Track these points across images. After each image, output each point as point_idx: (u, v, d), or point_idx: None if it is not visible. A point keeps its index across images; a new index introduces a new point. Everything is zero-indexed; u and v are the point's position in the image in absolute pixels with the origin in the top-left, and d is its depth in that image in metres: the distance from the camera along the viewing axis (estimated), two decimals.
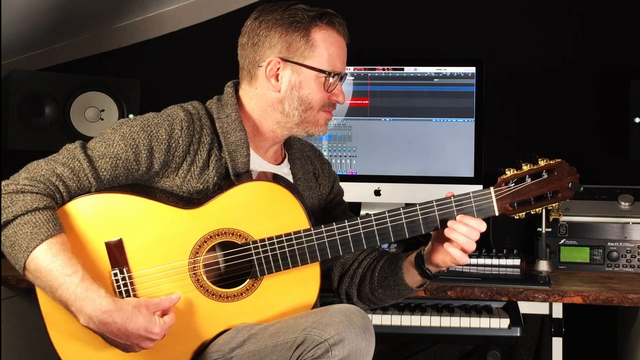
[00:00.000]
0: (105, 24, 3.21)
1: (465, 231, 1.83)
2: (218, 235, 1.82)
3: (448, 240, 1.84)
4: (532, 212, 1.90)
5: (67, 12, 2.93)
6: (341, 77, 1.96)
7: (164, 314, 1.75)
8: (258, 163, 1.97)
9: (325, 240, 1.85)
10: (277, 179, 1.89)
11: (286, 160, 2.08)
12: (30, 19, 2.87)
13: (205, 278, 1.82)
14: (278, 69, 1.91)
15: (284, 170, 2.04)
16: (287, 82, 1.91)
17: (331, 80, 1.93)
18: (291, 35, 1.89)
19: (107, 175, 1.78)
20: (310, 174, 2.12)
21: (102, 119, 2.90)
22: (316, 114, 1.95)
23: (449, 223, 1.84)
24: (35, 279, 1.69)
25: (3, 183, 1.72)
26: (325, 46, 1.91)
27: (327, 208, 2.16)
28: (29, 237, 1.65)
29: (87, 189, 1.77)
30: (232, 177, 1.89)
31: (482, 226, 1.84)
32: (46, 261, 1.65)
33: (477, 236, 1.84)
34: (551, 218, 1.94)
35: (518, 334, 2.33)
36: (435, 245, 1.91)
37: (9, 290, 2.54)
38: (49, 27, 3.01)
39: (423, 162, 2.83)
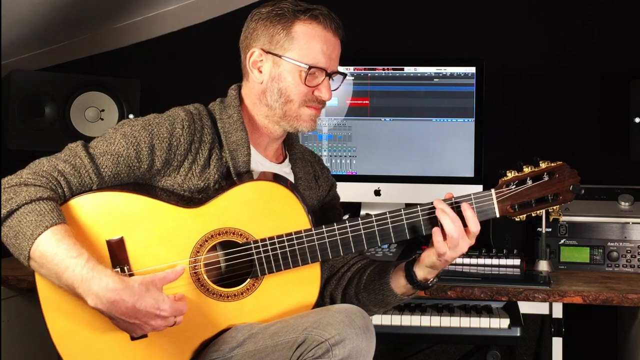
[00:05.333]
0: (105, 24, 3.22)
1: (453, 215, 1.83)
2: (219, 234, 1.82)
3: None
4: (533, 215, 1.90)
5: (67, 12, 2.93)
6: (329, 73, 1.95)
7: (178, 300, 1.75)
8: (259, 161, 1.98)
9: (326, 240, 1.85)
10: (278, 178, 1.89)
11: (287, 160, 2.09)
12: (30, 19, 2.87)
13: (206, 277, 1.82)
14: (261, 60, 1.94)
15: (285, 170, 2.06)
16: (268, 74, 1.93)
17: (310, 74, 1.92)
18: (274, 27, 1.92)
19: (109, 172, 1.79)
20: (311, 175, 2.13)
21: (102, 119, 2.90)
22: (298, 109, 1.94)
23: (440, 205, 1.84)
24: (40, 267, 1.68)
25: (6, 178, 1.73)
26: (306, 40, 1.91)
27: (322, 210, 2.16)
28: (34, 225, 1.65)
29: (88, 186, 1.78)
30: (233, 175, 1.90)
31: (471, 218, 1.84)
32: (51, 246, 1.65)
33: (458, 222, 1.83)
34: (551, 218, 1.94)
35: (518, 334, 2.33)
36: (429, 245, 1.91)
37: (9, 290, 2.54)
38: (49, 27, 3.01)
39: (423, 162, 2.83)
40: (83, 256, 1.66)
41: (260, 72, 1.94)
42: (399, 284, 1.98)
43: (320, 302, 2.03)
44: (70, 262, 1.65)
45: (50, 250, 1.65)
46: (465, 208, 1.84)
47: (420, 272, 1.94)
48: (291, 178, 2.04)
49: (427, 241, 1.96)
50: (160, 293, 1.70)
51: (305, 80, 1.91)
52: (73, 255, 1.65)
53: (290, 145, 2.11)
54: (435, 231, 1.84)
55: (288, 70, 1.92)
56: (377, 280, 2.01)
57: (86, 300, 1.66)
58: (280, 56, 1.92)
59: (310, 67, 1.91)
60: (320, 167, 2.19)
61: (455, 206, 1.86)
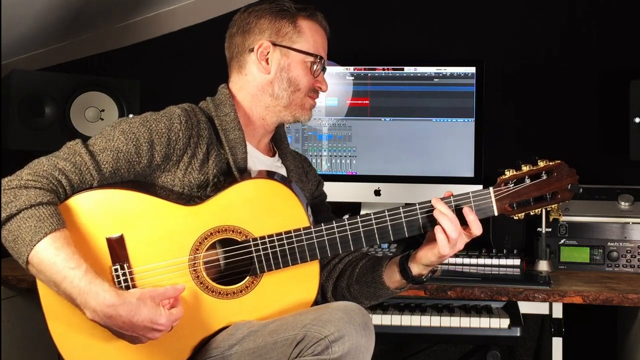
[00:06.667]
0: (105, 24, 3.22)
1: (451, 215, 1.84)
2: (218, 232, 1.82)
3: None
4: (532, 213, 1.91)
5: (68, 12, 2.93)
6: (324, 66, 2.06)
7: (172, 306, 1.75)
8: (254, 155, 2.01)
9: (325, 238, 1.85)
10: (277, 176, 1.90)
11: (277, 155, 2.13)
12: (30, 19, 2.88)
13: (205, 275, 1.82)
14: (268, 52, 2.00)
15: (277, 164, 2.10)
16: (276, 65, 2.00)
17: (316, 65, 2.02)
18: (280, 21, 2.01)
19: (109, 168, 1.79)
20: (301, 170, 2.17)
21: (102, 119, 2.90)
22: (303, 97, 2.03)
23: (438, 205, 1.85)
24: (38, 273, 1.68)
25: (6, 179, 1.72)
26: (311, 34, 2.02)
27: (311, 205, 2.17)
28: (33, 231, 1.65)
29: (89, 183, 1.78)
30: (234, 171, 1.91)
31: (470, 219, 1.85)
32: (50, 255, 1.65)
33: (456, 223, 1.84)
34: (551, 218, 1.94)
35: (518, 334, 2.33)
36: (425, 243, 1.93)
37: (9, 290, 2.54)
38: (49, 27, 3.01)
39: (423, 162, 2.83)
40: (81, 267, 1.66)
41: (268, 63, 2.00)
42: (392, 278, 1.99)
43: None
44: (68, 272, 1.65)
45: (49, 259, 1.65)
46: (468, 212, 1.85)
47: (416, 269, 1.95)
48: (283, 172, 2.07)
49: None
50: (158, 308, 1.71)
51: (313, 71, 2.02)
52: (71, 266, 1.66)
53: (279, 142, 2.15)
54: (438, 229, 1.84)
55: (297, 61, 2.01)
56: (370, 273, 2.02)
57: (84, 312, 1.67)
58: (289, 48, 1.99)
59: (319, 58, 2.02)
60: (307, 164, 2.25)
61: (455, 205, 1.87)
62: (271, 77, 2.00)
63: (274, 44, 1.99)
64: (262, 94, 2.01)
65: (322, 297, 2.11)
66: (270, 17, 2.00)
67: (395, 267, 1.99)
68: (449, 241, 1.84)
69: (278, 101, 2.01)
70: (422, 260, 1.92)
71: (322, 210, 2.20)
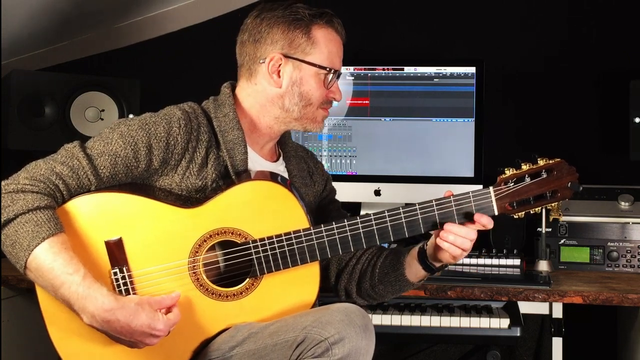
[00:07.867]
0: (105, 24, 3.22)
1: (461, 234, 1.85)
2: (218, 234, 1.82)
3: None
4: (532, 212, 1.91)
5: (68, 12, 2.93)
6: (338, 75, 2.00)
7: (168, 311, 1.74)
8: (255, 160, 1.99)
9: (325, 239, 1.85)
10: (276, 178, 1.89)
11: (281, 158, 2.10)
12: (30, 19, 2.87)
13: (205, 277, 1.82)
14: (280, 65, 1.94)
15: (280, 168, 2.06)
16: (288, 78, 1.94)
17: (330, 77, 1.96)
18: (293, 32, 1.93)
19: (107, 172, 1.78)
20: (305, 172, 2.14)
21: (102, 119, 2.90)
22: (315, 111, 1.98)
23: (446, 226, 1.86)
24: (36, 277, 1.68)
25: (3, 183, 1.72)
26: (325, 44, 1.95)
27: (320, 205, 2.17)
28: (31, 236, 1.65)
29: (87, 187, 1.77)
30: (232, 174, 1.90)
31: (472, 234, 1.87)
32: (48, 260, 1.65)
33: (473, 236, 1.86)
34: (551, 218, 1.94)
35: (518, 334, 2.33)
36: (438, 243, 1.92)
37: (9, 290, 2.54)
38: (50, 27, 3.01)
39: (423, 162, 2.83)
40: (79, 272, 1.66)
41: (279, 76, 1.95)
42: (417, 274, 2.00)
43: (335, 299, 2.05)
44: (66, 278, 1.65)
45: (47, 264, 1.65)
46: (479, 218, 1.86)
47: (436, 263, 1.97)
48: (286, 176, 2.05)
49: (427, 238, 1.97)
50: (155, 313, 1.70)
51: (326, 84, 1.96)
52: (69, 272, 1.65)
53: (283, 144, 2.12)
54: (441, 235, 1.86)
55: (310, 74, 1.95)
56: (392, 272, 2.02)
57: (81, 317, 1.67)
58: (302, 60, 1.94)
59: (333, 71, 1.96)
60: (313, 163, 2.20)
61: (455, 205, 1.87)
62: (282, 91, 1.95)
63: (286, 56, 1.93)
64: (271, 106, 1.97)
65: (347, 298, 2.11)
66: (283, 27, 1.93)
67: (416, 263, 1.99)
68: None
69: (288, 114, 1.96)
70: (440, 259, 1.93)
71: (332, 209, 2.18)
